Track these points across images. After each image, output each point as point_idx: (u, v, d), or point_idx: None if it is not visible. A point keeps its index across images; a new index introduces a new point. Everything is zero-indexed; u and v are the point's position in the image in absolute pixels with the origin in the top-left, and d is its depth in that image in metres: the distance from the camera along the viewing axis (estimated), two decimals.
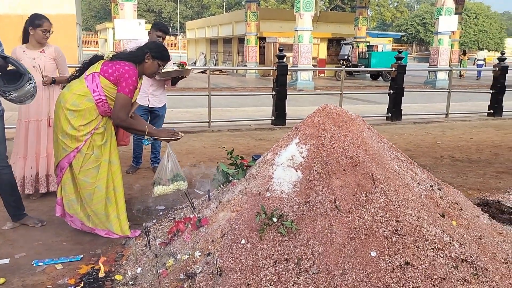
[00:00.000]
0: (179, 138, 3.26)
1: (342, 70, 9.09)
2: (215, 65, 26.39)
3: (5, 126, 3.19)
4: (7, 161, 3.18)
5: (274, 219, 2.31)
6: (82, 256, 2.82)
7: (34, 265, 2.71)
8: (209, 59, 28.66)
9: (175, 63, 4.55)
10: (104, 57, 3.04)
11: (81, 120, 2.93)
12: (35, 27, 3.68)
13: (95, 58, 3.08)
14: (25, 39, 3.76)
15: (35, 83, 3.13)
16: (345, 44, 22.60)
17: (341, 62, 21.49)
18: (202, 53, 29.82)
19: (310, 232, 2.26)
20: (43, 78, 3.75)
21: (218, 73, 23.33)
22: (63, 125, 2.94)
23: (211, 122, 7.58)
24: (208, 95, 7.58)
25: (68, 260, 2.75)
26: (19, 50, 3.75)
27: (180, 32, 45.71)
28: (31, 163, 3.79)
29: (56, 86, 3.83)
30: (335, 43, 24.69)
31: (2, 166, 3.13)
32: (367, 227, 2.26)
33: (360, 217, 2.29)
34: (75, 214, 3.05)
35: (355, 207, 2.34)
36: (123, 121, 2.98)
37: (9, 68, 3.04)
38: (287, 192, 2.45)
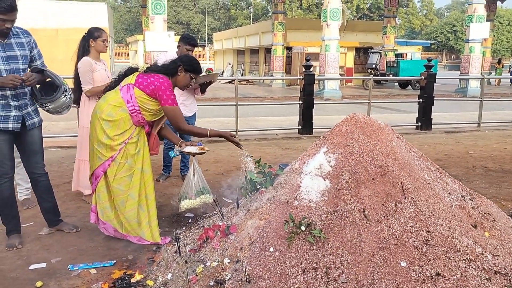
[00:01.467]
0: (204, 153, 3.34)
1: (370, 78, 9.02)
2: (242, 75, 26.64)
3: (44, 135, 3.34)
4: (45, 169, 3.32)
5: (302, 228, 2.32)
6: (115, 261, 2.90)
7: (69, 269, 2.81)
8: (236, 70, 28.96)
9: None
10: (139, 69, 3.15)
11: (116, 130, 3.03)
12: (95, 39, 3.91)
13: (130, 70, 3.20)
14: (84, 53, 3.96)
15: (71, 94, 3.27)
16: (373, 52, 22.40)
17: (369, 70, 21.31)
18: (229, 64, 30.18)
19: (338, 241, 2.26)
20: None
21: (245, 83, 23.52)
22: (98, 134, 3.06)
23: (239, 131, 7.66)
24: (236, 105, 7.67)
25: (102, 265, 2.84)
26: (92, 62, 3.94)
27: (207, 43, 46.44)
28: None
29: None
30: (362, 52, 24.51)
31: (40, 173, 3.27)
32: (397, 237, 2.24)
33: (389, 227, 2.28)
34: (108, 221, 3.15)
35: (384, 216, 2.32)
36: (184, 131, 3.25)
37: (47, 80, 3.19)
38: (315, 201, 2.46)
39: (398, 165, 2.56)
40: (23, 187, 3.99)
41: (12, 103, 2.98)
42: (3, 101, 2.95)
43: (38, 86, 3.17)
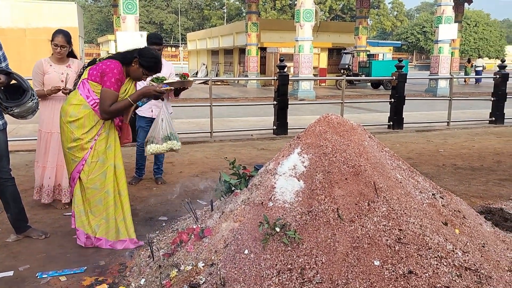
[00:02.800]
0: (163, 91, 3.16)
1: (343, 79, 9.13)
2: (217, 75, 26.54)
3: (17, 138, 3.22)
4: (11, 174, 3.20)
5: (277, 229, 2.31)
6: (85, 268, 2.82)
7: (38, 277, 2.71)
8: (210, 70, 28.83)
9: (178, 74, 4.59)
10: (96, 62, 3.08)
11: (82, 129, 2.98)
12: (51, 41, 3.77)
13: (87, 66, 3.13)
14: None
15: (37, 99, 3.18)
16: (346, 53, 22.72)
17: (342, 71, 21.60)
18: (204, 64, 30.00)
19: (313, 242, 2.26)
20: (65, 89, 3.74)
21: (219, 83, 23.44)
22: (67, 138, 3.00)
23: (213, 132, 7.61)
24: (210, 106, 7.62)
25: (72, 272, 2.76)
26: (45, 64, 3.81)
27: (181, 44, 46.03)
28: (50, 173, 3.84)
29: None
30: (335, 53, 24.83)
31: (5, 178, 3.16)
32: (370, 236, 2.26)
33: (363, 226, 2.30)
34: (81, 227, 3.07)
35: (357, 216, 2.34)
36: (107, 113, 2.97)
37: (11, 83, 3.08)
38: (290, 201, 2.46)
39: (370, 165, 2.59)
40: None
41: None
42: None
43: (1, 88, 3.05)
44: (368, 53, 23.96)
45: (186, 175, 5.23)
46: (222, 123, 9.07)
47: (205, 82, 21.50)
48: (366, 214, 2.35)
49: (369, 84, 23.09)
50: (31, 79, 3.71)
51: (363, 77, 20.55)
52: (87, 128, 2.98)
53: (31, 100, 3.06)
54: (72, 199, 3.15)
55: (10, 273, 2.77)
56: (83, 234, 3.09)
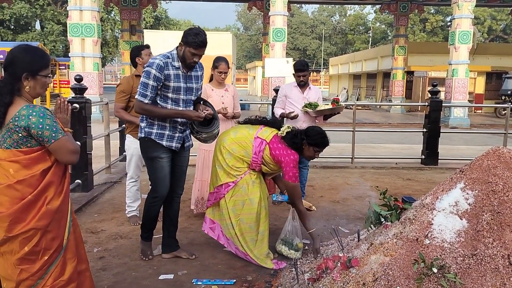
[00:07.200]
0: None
1: (508, 106, 8.09)
2: (357, 100, 26.17)
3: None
4: (182, 191, 3.43)
5: (434, 270, 2.13)
6: (235, 280, 2.98)
7: (194, 283, 2.96)
8: (351, 94, 28.55)
9: (328, 99, 4.63)
10: (280, 131, 3.29)
11: (235, 162, 3.25)
12: (214, 68, 4.17)
13: (273, 124, 3.40)
14: (211, 79, 4.28)
15: (219, 125, 3.35)
16: (508, 78, 20.20)
17: (504, 97, 19.24)
18: (344, 88, 29.88)
19: None
20: (227, 112, 4.15)
21: (360, 108, 23.02)
22: (219, 157, 3.30)
23: (354, 158, 7.45)
24: (353, 131, 7.49)
25: (223, 283, 2.94)
26: (208, 88, 4.22)
27: (323, 68, 46.68)
28: (200, 186, 4.24)
29: (230, 121, 4.25)
30: (495, 77, 22.34)
31: (178, 193, 3.39)
32: None
33: None
34: (231, 238, 3.30)
35: None
36: (296, 208, 3.34)
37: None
38: (449, 241, 2.25)
39: None
40: (132, 204, 4.20)
41: (178, 126, 3.17)
42: (172, 124, 3.14)
43: None
44: None
45: (327, 199, 5.20)
46: (363, 149, 8.83)
47: (346, 107, 21.33)
48: None
49: None
50: None
51: None
52: (239, 165, 3.25)
53: (217, 128, 3.27)
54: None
55: (171, 276, 3.08)
56: (233, 244, 3.31)
